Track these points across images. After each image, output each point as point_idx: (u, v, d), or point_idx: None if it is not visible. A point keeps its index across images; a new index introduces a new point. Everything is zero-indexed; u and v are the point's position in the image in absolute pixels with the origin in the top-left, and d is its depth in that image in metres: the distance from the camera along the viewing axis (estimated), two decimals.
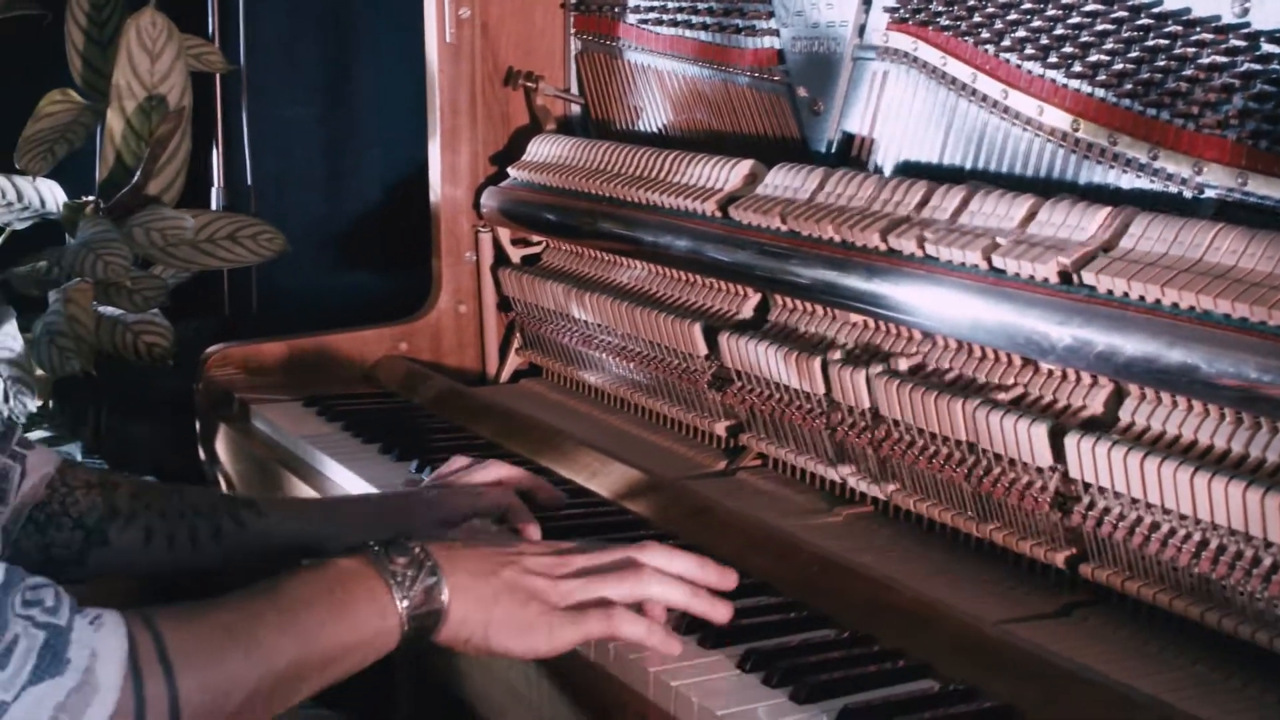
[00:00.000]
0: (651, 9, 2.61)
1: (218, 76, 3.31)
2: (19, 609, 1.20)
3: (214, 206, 3.35)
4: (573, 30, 2.87)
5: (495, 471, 1.88)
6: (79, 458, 2.95)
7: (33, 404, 2.76)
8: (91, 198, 3.05)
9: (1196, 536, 1.53)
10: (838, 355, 1.96)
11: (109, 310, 2.87)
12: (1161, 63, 1.72)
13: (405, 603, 1.38)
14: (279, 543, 1.78)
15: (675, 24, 2.55)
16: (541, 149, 2.73)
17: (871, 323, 1.98)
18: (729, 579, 1.58)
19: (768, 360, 2.07)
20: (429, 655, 1.79)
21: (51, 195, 3.09)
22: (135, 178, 2.87)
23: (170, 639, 1.25)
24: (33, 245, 3.17)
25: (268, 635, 1.31)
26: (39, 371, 2.83)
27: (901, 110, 2.10)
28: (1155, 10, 1.74)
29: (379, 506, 1.84)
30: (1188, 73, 1.69)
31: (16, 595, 1.21)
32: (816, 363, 1.97)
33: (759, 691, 1.45)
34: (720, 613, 1.53)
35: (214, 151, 3.39)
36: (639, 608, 1.52)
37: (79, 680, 1.19)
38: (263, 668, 1.30)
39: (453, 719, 1.96)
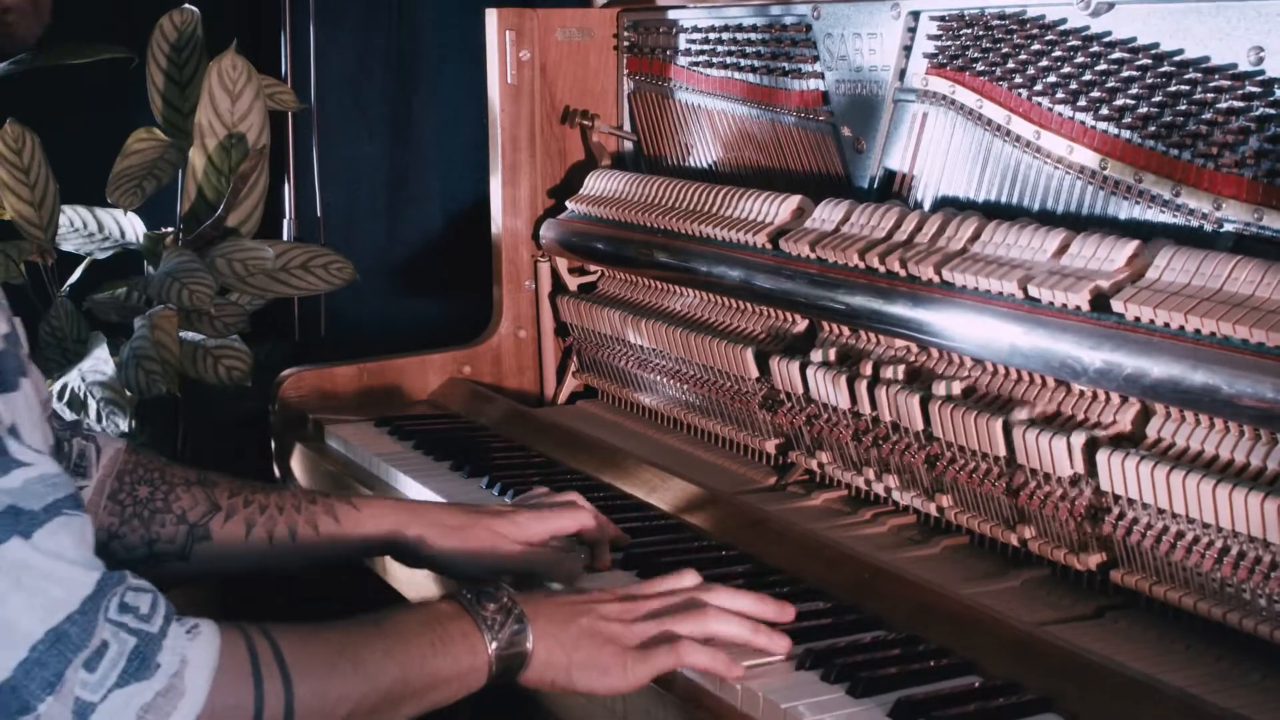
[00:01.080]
0: (702, 52, 2.75)
1: (290, 113, 3.46)
2: (112, 614, 1.30)
3: (285, 237, 3.50)
4: (626, 71, 3.02)
5: (571, 501, 2.01)
6: None
7: (124, 424, 2.91)
8: (170, 229, 3.21)
9: (1219, 544, 1.66)
10: (884, 377, 2.10)
11: (190, 335, 3.03)
12: (1183, 107, 1.86)
13: (494, 644, 1.53)
14: (371, 540, 1.90)
15: (725, 66, 2.70)
16: (598, 184, 2.87)
17: (914, 347, 2.12)
18: (787, 612, 1.71)
19: (816, 382, 2.21)
20: None
21: (131, 226, 3.25)
22: (218, 211, 3.02)
23: (287, 649, 1.40)
24: (109, 273, 3.34)
25: (374, 658, 1.46)
26: (126, 393, 2.98)
27: (940, 149, 2.24)
28: (1177, 59, 1.87)
29: (465, 518, 1.91)
30: (1207, 116, 1.82)
31: (110, 601, 1.31)
32: (863, 385, 2.12)
33: (818, 687, 1.59)
34: (779, 645, 1.65)
35: (286, 184, 3.54)
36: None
37: (166, 684, 1.30)
38: (367, 685, 1.44)
39: None
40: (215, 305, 2.90)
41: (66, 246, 3.27)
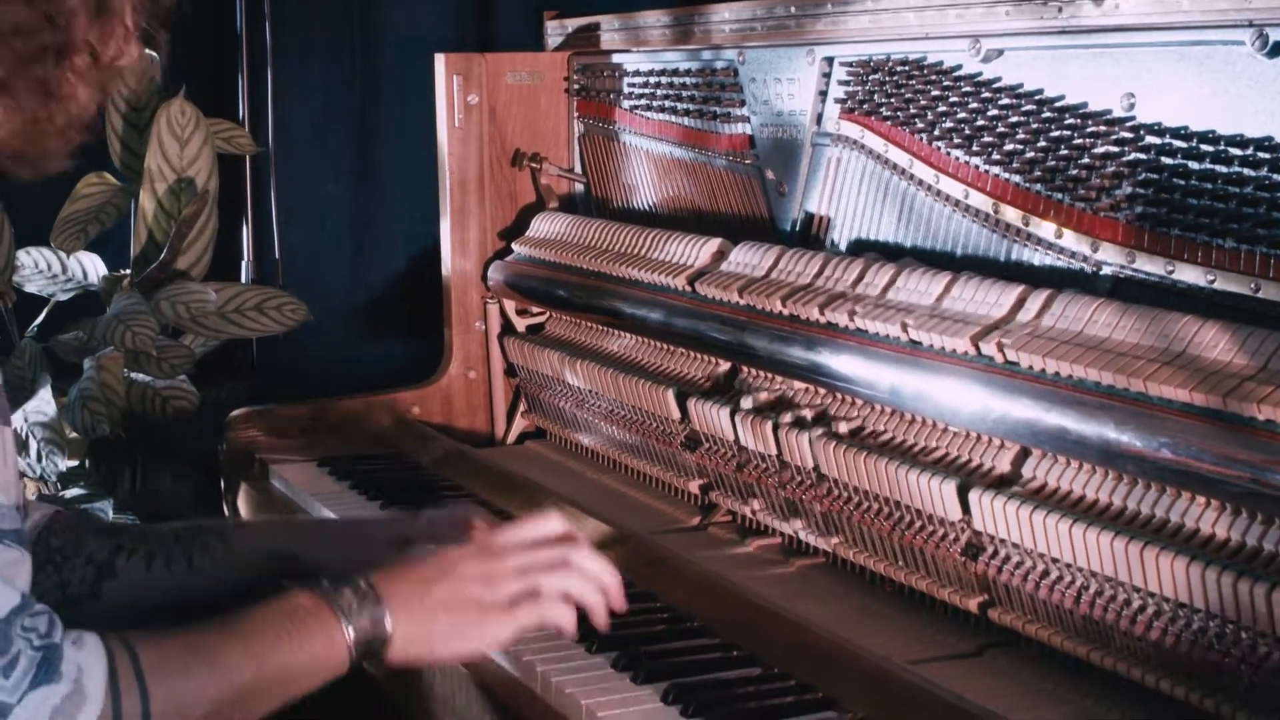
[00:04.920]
0: (642, 96, 2.80)
1: (248, 156, 3.51)
2: (21, 632, 1.40)
3: (243, 278, 3.55)
4: (577, 114, 3.06)
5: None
6: (110, 514, 3.15)
7: (63, 463, 2.96)
8: (128, 270, 3.26)
9: (1079, 581, 1.69)
10: (785, 419, 2.13)
11: (139, 376, 3.07)
12: (1064, 152, 1.89)
13: (352, 630, 1.56)
14: (258, 558, 1.95)
15: (662, 110, 2.74)
16: (542, 226, 2.91)
17: (817, 388, 2.14)
18: (618, 601, 1.72)
19: (727, 423, 2.24)
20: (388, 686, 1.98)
21: (93, 268, 3.31)
22: (164, 254, 3.07)
23: (144, 656, 1.45)
24: (75, 313, 3.39)
25: (229, 655, 1.50)
26: (72, 434, 3.03)
27: (853, 192, 2.28)
28: (1058, 104, 1.91)
29: (338, 529, 2.07)
30: (1085, 161, 1.86)
31: (23, 620, 1.40)
32: (768, 425, 2.14)
33: None
34: (601, 621, 1.69)
35: (244, 226, 3.58)
36: None
37: (71, 688, 1.39)
38: (223, 683, 1.49)
39: None
40: (160, 347, 2.95)
41: (30, 288, 3.33)
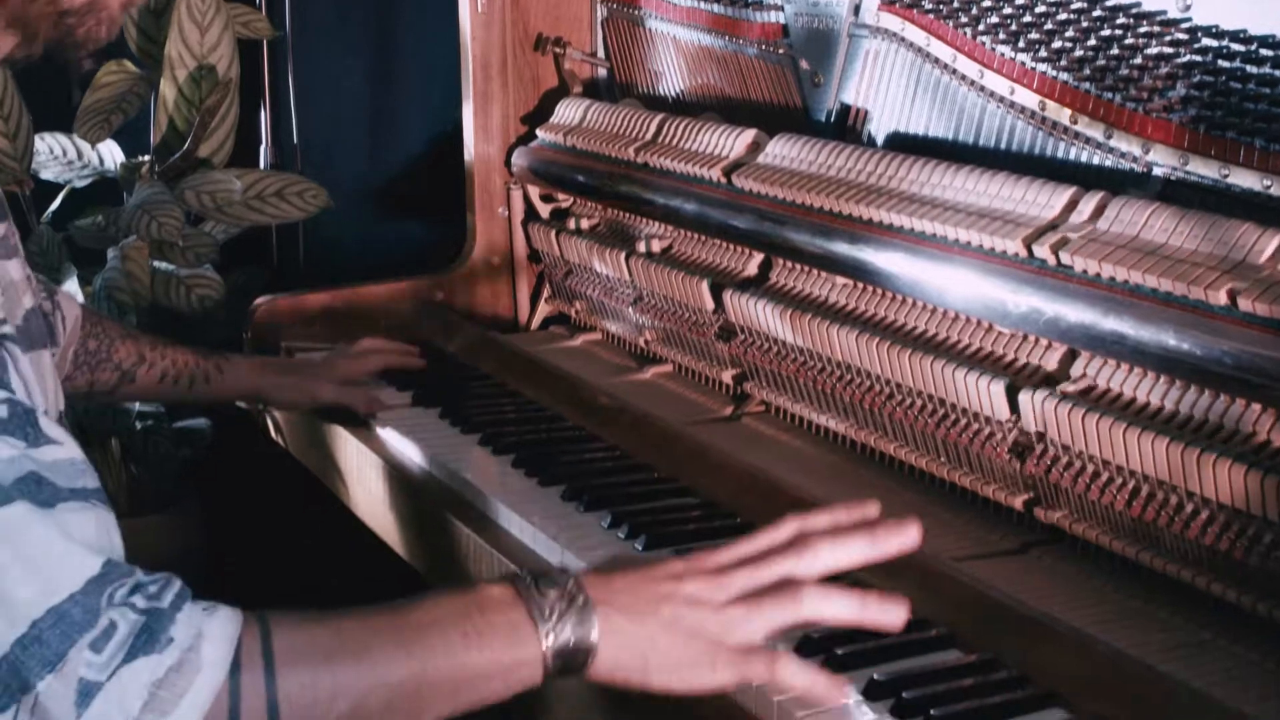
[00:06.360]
0: None
1: (265, 41, 3.47)
2: (118, 599, 1.23)
3: (262, 165, 3.51)
4: None
5: (366, 344, 2.59)
6: (136, 404, 3.16)
7: None
8: (147, 157, 3.24)
9: (1130, 484, 1.70)
10: (825, 313, 2.13)
11: (162, 265, 3.06)
12: (1115, 51, 1.88)
13: (550, 638, 1.33)
14: (234, 391, 2.48)
15: None
16: (567, 112, 2.89)
17: (858, 284, 2.14)
18: (910, 534, 1.44)
19: (765, 316, 2.24)
20: None
21: (110, 155, 3.28)
22: (187, 143, 3.05)
23: (278, 635, 1.28)
24: (91, 200, 3.37)
25: (383, 647, 1.30)
26: None
27: (891, 85, 2.26)
28: (1109, 3, 1.89)
29: (294, 367, 2.55)
30: (1137, 61, 1.84)
31: (118, 589, 1.24)
32: (807, 319, 2.15)
33: None
34: (896, 616, 1.41)
35: (262, 112, 3.55)
36: None
37: (179, 658, 1.22)
38: (373, 678, 1.29)
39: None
40: (185, 236, 2.93)
41: (46, 175, 3.31)
